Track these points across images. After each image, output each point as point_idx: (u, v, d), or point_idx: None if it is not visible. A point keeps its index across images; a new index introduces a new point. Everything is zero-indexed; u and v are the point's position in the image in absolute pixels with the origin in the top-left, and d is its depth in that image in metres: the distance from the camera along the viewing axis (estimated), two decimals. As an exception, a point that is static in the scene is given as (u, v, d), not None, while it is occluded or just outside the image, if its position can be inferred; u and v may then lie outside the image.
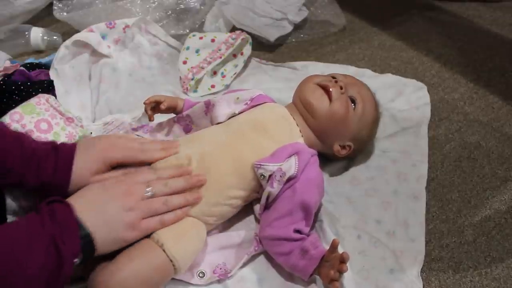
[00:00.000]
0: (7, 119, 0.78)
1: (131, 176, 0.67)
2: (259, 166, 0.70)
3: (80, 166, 0.67)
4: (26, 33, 1.17)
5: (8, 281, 0.50)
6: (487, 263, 0.74)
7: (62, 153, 0.67)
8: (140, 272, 0.60)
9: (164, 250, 0.62)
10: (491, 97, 1.06)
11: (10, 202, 0.70)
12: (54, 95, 0.94)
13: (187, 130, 0.86)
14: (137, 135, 0.87)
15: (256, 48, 1.16)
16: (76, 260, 0.56)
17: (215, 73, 1.09)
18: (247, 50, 1.11)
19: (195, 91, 1.05)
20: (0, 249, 0.52)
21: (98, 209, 0.61)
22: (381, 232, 0.77)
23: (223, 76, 1.09)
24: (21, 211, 0.71)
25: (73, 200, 0.60)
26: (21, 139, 0.67)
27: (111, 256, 0.61)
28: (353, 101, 0.79)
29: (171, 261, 0.62)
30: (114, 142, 0.72)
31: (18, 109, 0.82)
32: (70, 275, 0.55)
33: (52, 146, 0.68)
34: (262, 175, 0.70)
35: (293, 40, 1.24)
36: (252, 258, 0.73)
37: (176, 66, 1.09)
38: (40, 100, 0.84)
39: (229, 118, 0.79)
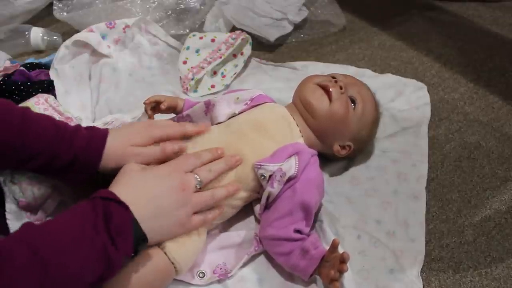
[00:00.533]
0: (7, 119, 0.78)
1: (178, 164, 0.66)
2: (259, 166, 0.70)
3: (114, 137, 0.67)
4: (26, 33, 1.17)
5: (53, 280, 0.48)
6: (487, 263, 0.74)
7: (95, 128, 0.68)
8: (143, 275, 0.60)
9: (165, 253, 0.62)
10: (491, 97, 1.06)
11: (10, 203, 0.70)
12: (54, 95, 0.94)
13: (187, 130, 0.86)
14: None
15: (256, 48, 1.16)
16: (125, 260, 0.56)
17: (215, 73, 1.09)
18: (247, 50, 1.11)
19: (195, 91, 1.05)
20: (50, 248, 0.49)
21: (154, 205, 0.60)
22: (381, 232, 0.77)
23: (223, 76, 1.09)
24: (21, 211, 0.71)
25: (126, 193, 0.58)
26: (47, 120, 0.66)
27: None
28: (353, 101, 0.79)
29: (172, 263, 0.63)
30: (151, 122, 0.75)
31: (18, 109, 0.82)
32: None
33: (80, 126, 0.68)
34: (262, 175, 0.70)
35: (293, 40, 1.24)
36: (252, 258, 0.73)
37: (176, 66, 1.09)
38: (39, 100, 0.84)
39: (229, 118, 0.79)
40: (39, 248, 0.48)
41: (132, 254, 0.57)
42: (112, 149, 0.67)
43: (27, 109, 0.66)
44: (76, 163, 0.65)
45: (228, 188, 0.69)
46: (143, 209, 0.58)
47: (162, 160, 0.69)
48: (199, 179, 0.66)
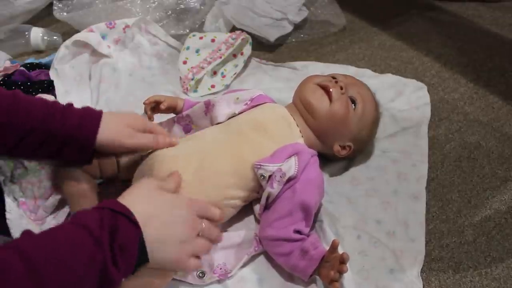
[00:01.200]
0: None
1: (196, 205, 0.64)
2: (259, 166, 0.70)
3: (110, 116, 0.67)
4: (26, 33, 1.17)
5: None
6: (487, 263, 0.74)
7: (89, 107, 0.68)
8: (140, 273, 0.60)
9: None
10: (491, 97, 1.06)
11: (9, 202, 0.70)
12: (54, 95, 0.94)
13: (187, 130, 0.86)
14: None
15: (256, 48, 1.16)
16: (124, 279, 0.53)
17: (215, 73, 1.09)
18: (247, 50, 1.11)
19: (195, 91, 1.05)
20: (47, 262, 0.46)
21: (165, 232, 0.57)
22: (381, 232, 0.77)
23: (223, 76, 1.09)
24: (21, 211, 0.71)
25: (141, 210, 0.55)
26: (39, 99, 0.66)
27: None
28: (353, 101, 0.79)
29: None
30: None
31: (18, 109, 0.82)
32: None
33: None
34: (262, 175, 0.70)
35: (293, 40, 1.24)
36: (252, 258, 0.73)
37: (176, 66, 1.09)
38: (39, 100, 0.84)
39: (229, 118, 0.79)
40: (36, 261, 0.45)
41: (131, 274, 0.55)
42: (108, 126, 0.66)
43: (17, 91, 0.65)
44: (71, 139, 0.64)
45: (220, 240, 0.69)
46: (154, 231, 0.55)
47: (150, 150, 0.71)
48: (202, 227, 0.64)
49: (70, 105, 0.67)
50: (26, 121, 0.62)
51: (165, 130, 0.78)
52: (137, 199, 0.57)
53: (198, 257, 0.63)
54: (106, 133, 0.66)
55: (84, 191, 0.70)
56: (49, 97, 0.86)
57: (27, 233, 0.49)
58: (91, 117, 0.66)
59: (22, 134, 0.62)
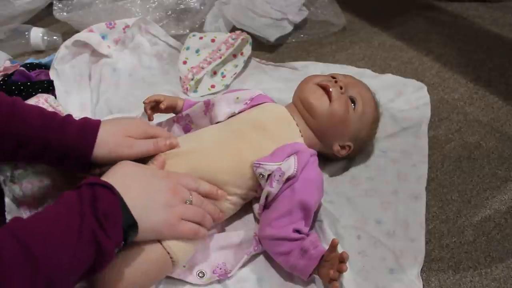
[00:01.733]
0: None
1: (176, 176, 0.66)
2: (258, 165, 0.70)
3: (109, 126, 0.67)
4: (26, 33, 1.17)
5: (44, 273, 0.47)
6: (487, 263, 0.74)
7: (88, 118, 0.67)
8: (138, 265, 0.60)
9: (161, 244, 0.62)
10: (491, 97, 1.06)
11: (9, 202, 0.70)
12: (54, 95, 0.94)
13: (187, 130, 0.86)
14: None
15: (256, 48, 1.16)
16: (117, 249, 0.55)
17: (215, 73, 1.09)
18: (247, 50, 1.11)
19: (195, 91, 1.05)
20: (39, 241, 0.48)
21: (146, 197, 0.59)
22: (381, 232, 0.77)
23: (223, 76, 1.09)
24: (21, 211, 0.71)
25: (117, 180, 0.57)
26: (38, 108, 0.66)
27: None
28: (353, 101, 0.79)
29: (168, 253, 0.62)
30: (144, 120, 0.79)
31: (18, 109, 0.82)
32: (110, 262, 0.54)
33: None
34: (261, 174, 0.70)
35: (293, 40, 1.24)
36: (252, 258, 0.73)
37: (176, 66, 1.09)
38: (39, 100, 0.84)
39: (228, 118, 0.79)
40: (28, 241, 0.47)
41: (123, 243, 0.55)
42: (106, 137, 0.66)
43: (17, 99, 0.65)
44: (69, 150, 0.65)
45: (215, 216, 0.69)
46: (133, 197, 0.57)
47: (153, 155, 0.70)
48: (191, 197, 0.65)
49: (68, 116, 0.67)
50: (23, 131, 0.63)
51: (166, 131, 0.78)
52: (114, 174, 0.60)
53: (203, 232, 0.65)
54: (103, 146, 0.66)
55: None
56: (48, 97, 0.86)
57: (16, 219, 0.51)
58: (88, 130, 0.66)
59: (19, 143, 0.63)
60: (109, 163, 0.66)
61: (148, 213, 0.59)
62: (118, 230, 0.54)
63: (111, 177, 0.59)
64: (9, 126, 0.62)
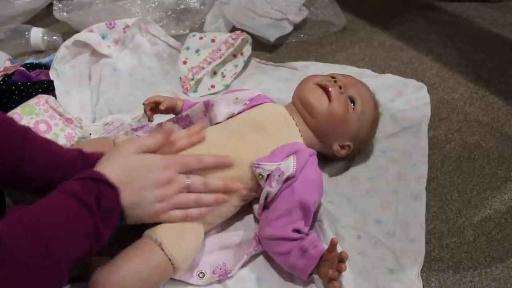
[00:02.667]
0: (7, 119, 0.78)
1: (175, 160, 0.66)
2: (257, 165, 0.70)
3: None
4: (26, 33, 1.17)
5: (58, 256, 0.50)
6: (487, 263, 0.74)
7: (91, 161, 0.66)
8: (139, 271, 0.60)
9: (162, 249, 0.62)
10: (491, 97, 1.06)
11: (9, 202, 0.70)
12: (54, 95, 0.94)
13: (187, 130, 0.86)
14: (137, 136, 0.87)
15: (256, 48, 1.16)
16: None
17: (215, 73, 1.09)
18: (247, 50, 1.11)
19: (195, 91, 1.05)
20: (47, 225, 0.51)
21: (138, 194, 0.61)
22: (381, 232, 0.77)
23: (223, 76, 1.09)
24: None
25: (116, 177, 0.58)
26: (47, 146, 0.67)
27: (112, 255, 0.61)
28: (352, 101, 0.79)
29: (169, 260, 0.62)
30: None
31: (18, 109, 0.82)
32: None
33: (79, 153, 0.68)
34: (260, 174, 0.70)
35: (293, 40, 1.24)
36: (252, 258, 0.72)
37: (176, 66, 1.09)
38: (39, 101, 0.84)
39: (228, 118, 0.79)
40: (36, 226, 0.50)
41: (113, 231, 0.59)
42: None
43: (28, 129, 0.66)
44: None
45: (217, 198, 0.68)
46: (128, 197, 0.59)
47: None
48: (188, 182, 0.65)
49: (75, 158, 0.67)
50: (29, 170, 0.64)
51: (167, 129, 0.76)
52: (113, 167, 0.60)
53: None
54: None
55: None
56: (48, 98, 0.86)
57: (18, 208, 0.52)
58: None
59: (25, 179, 0.64)
60: None
61: (137, 210, 0.61)
62: (114, 222, 0.58)
63: (110, 169, 0.60)
64: (17, 164, 0.63)
